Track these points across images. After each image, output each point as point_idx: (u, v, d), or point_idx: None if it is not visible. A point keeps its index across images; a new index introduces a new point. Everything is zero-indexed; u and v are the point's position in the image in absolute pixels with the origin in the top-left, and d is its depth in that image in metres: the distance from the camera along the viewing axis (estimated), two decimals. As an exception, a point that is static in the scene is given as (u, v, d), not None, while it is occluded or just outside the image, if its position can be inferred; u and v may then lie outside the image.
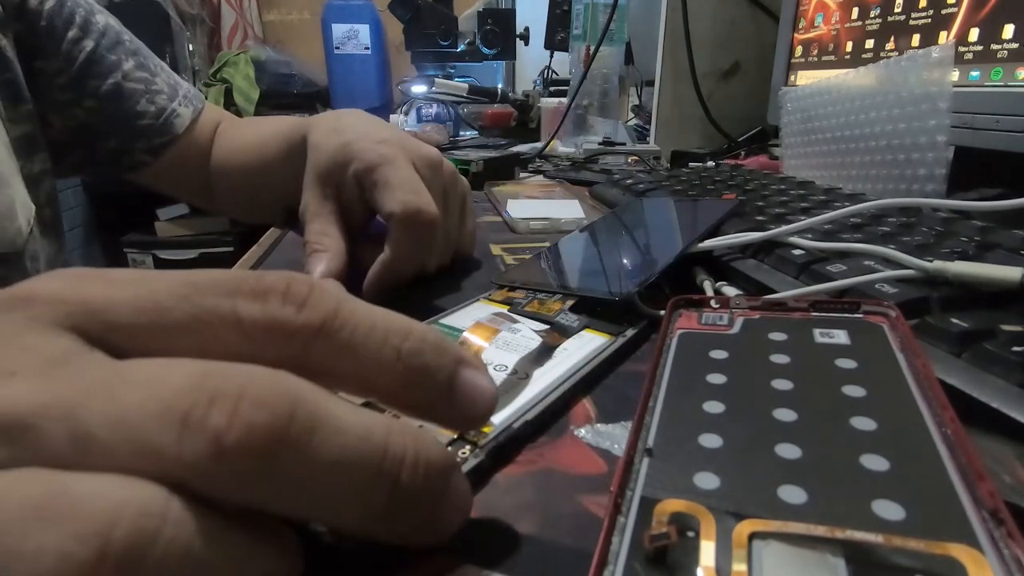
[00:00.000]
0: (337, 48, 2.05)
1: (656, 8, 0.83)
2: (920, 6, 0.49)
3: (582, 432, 0.21)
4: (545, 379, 0.23)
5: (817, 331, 0.20)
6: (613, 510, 0.14)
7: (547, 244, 0.43)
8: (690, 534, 0.13)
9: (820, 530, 0.12)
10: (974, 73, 0.45)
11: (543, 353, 0.24)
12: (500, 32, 1.27)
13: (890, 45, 0.52)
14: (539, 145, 0.90)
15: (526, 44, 1.37)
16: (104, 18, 0.50)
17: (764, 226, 0.35)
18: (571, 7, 0.99)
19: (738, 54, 0.83)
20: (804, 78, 0.64)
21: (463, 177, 0.39)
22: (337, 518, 0.13)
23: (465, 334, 0.22)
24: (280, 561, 0.13)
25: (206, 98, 0.58)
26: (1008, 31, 0.42)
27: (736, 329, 0.22)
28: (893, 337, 0.19)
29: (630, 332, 0.27)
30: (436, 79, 1.13)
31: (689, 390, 0.18)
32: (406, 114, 1.16)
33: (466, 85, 1.10)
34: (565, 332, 0.26)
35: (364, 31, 2.04)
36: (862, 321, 0.21)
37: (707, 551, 0.12)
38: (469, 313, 0.29)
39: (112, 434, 0.11)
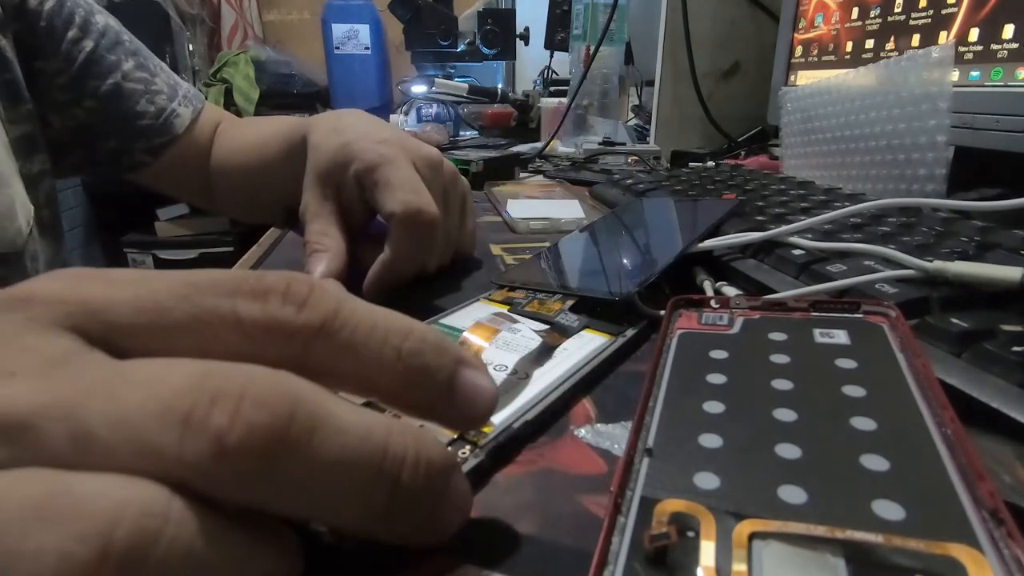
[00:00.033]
0: (337, 48, 2.05)
1: (656, 8, 0.83)
2: (920, 6, 0.49)
3: (582, 432, 0.21)
4: (545, 379, 0.23)
5: (817, 331, 0.20)
6: (613, 510, 0.14)
7: (547, 244, 0.43)
8: (690, 534, 0.13)
9: (820, 530, 0.12)
10: (974, 73, 0.45)
11: (543, 353, 0.24)
12: (500, 32, 1.27)
13: (890, 45, 0.52)
14: (539, 145, 0.90)
15: (526, 44, 1.37)
16: (104, 18, 0.50)
17: (764, 226, 0.35)
18: (571, 7, 0.99)
19: (738, 54, 0.83)
20: (804, 78, 0.64)
21: (463, 177, 0.39)
22: (337, 518, 0.13)
23: (465, 334, 0.22)
24: (280, 561, 0.13)
25: (206, 98, 0.58)
26: (1008, 31, 0.42)
27: (736, 329, 0.22)
28: (893, 337, 0.19)
29: (630, 332, 0.27)
30: (436, 79, 1.13)
31: (689, 390, 0.18)
32: (406, 114, 1.16)
33: (466, 85, 1.10)
34: (565, 332, 0.26)
35: (364, 31, 2.04)
36: (862, 321, 0.21)
37: (707, 551, 0.12)
38: (469, 313, 0.29)
39: (113, 434, 0.11)
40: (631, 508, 0.14)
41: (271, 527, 0.13)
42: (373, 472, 0.13)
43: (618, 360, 0.26)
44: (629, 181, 0.57)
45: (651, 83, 0.88)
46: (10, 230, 0.41)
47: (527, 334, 0.26)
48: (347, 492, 0.13)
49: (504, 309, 0.28)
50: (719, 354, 0.20)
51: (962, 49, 0.45)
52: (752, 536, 0.12)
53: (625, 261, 0.34)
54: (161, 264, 1.99)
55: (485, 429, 0.19)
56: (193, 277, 0.14)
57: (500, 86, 1.21)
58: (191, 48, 2.11)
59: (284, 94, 2.10)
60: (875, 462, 0.14)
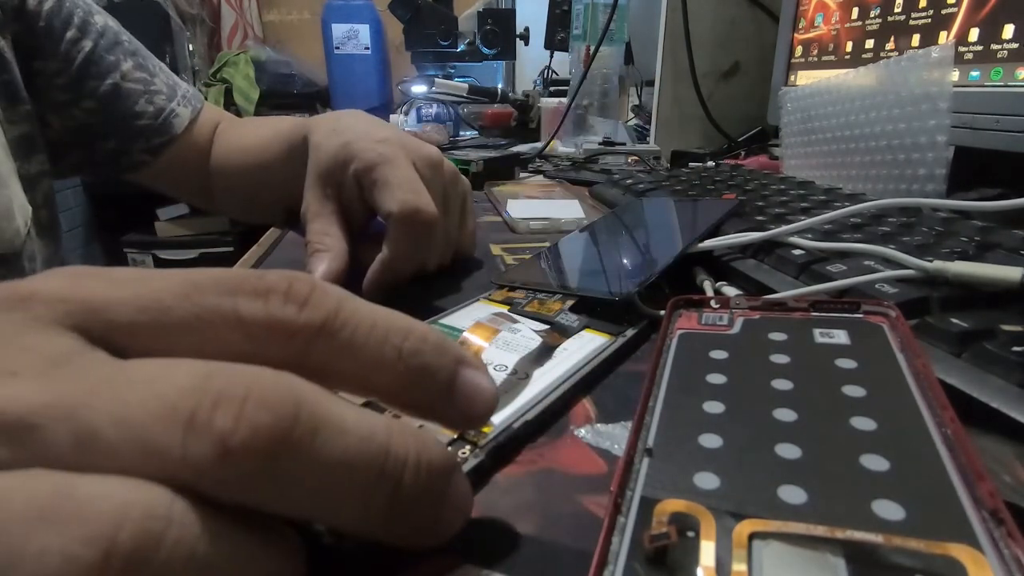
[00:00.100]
0: (337, 48, 2.05)
1: (656, 8, 0.83)
2: (920, 6, 0.49)
3: (582, 432, 0.21)
4: (545, 379, 0.23)
5: (817, 331, 0.20)
6: (613, 510, 0.14)
7: (547, 244, 0.43)
8: (690, 534, 0.13)
9: (820, 530, 0.12)
10: (974, 73, 0.45)
11: (543, 353, 0.24)
12: (500, 32, 1.27)
13: (890, 45, 0.52)
14: (539, 145, 0.90)
15: (526, 44, 1.37)
16: (103, 19, 0.50)
17: (764, 226, 0.35)
18: (571, 7, 0.99)
19: (738, 54, 0.83)
20: (804, 78, 0.64)
21: (464, 177, 0.39)
22: (338, 519, 0.13)
23: (465, 334, 0.22)
24: (283, 562, 0.13)
25: (206, 98, 0.58)
26: (1008, 31, 0.42)
27: (736, 329, 0.21)
28: (893, 337, 0.19)
29: (630, 332, 0.27)
30: (436, 79, 1.13)
31: (689, 390, 0.18)
32: (406, 114, 1.16)
33: (466, 85, 1.10)
34: (565, 332, 0.26)
35: (364, 31, 2.04)
36: (862, 321, 0.21)
37: (707, 551, 0.12)
38: (469, 313, 0.29)
39: (116, 435, 0.11)
40: (631, 508, 0.14)
41: (274, 528, 0.13)
42: (375, 473, 0.13)
43: (618, 360, 0.26)
44: (629, 181, 0.57)
45: (651, 83, 0.88)
46: (8, 231, 0.41)
47: (527, 334, 0.26)
48: (348, 493, 0.13)
49: (504, 309, 0.28)
50: (719, 354, 0.20)
51: (962, 49, 0.45)
52: (752, 536, 0.12)
53: (625, 261, 0.34)
54: (161, 264, 1.99)
55: (485, 429, 0.19)
56: (194, 276, 0.14)
57: (500, 86, 1.21)
58: (191, 48, 2.11)
59: (284, 94, 2.10)
60: (875, 462, 0.14)
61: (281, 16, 2.37)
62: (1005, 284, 0.23)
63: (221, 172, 0.53)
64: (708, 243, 0.34)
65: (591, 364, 0.24)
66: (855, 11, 0.56)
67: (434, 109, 1.15)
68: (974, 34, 0.44)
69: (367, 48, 2.06)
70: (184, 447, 0.11)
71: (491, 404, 0.15)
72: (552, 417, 0.22)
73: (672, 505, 0.13)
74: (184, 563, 0.11)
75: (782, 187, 0.48)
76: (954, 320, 0.22)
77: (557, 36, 1.22)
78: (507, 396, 0.21)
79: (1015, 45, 0.42)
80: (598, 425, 0.22)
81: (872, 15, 0.54)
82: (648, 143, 0.88)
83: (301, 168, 0.37)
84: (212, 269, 0.14)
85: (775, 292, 0.29)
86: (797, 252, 0.31)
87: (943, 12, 0.47)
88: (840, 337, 0.20)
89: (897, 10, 0.51)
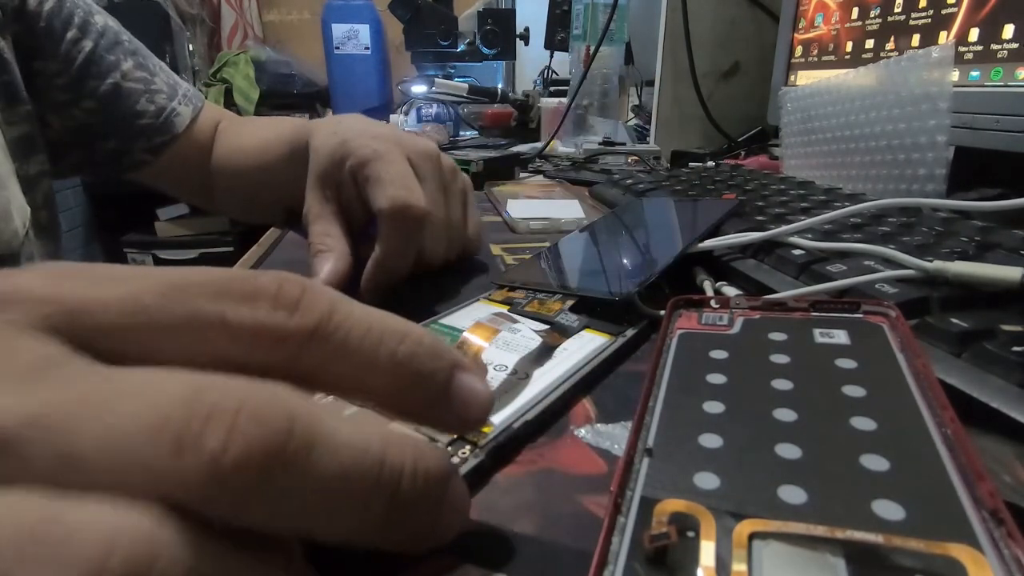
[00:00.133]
0: (337, 48, 2.05)
1: (656, 8, 0.83)
2: (920, 6, 0.49)
3: (582, 432, 0.21)
4: (545, 379, 0.23)
5: (817, 331, 0.20)
6: (613, 510, 0.14)
7: (547, 244, 0.43)
8: (690, 534, 0.13)
9: (820, 530, 0.12)
10: (974, 73, 0.45)
11: (543, 353, 0.24)
12: (500, 32, 1.27)
13: (890, 45, 0.52)
14: (539, 145, 0.90)
15: (526, 44, 1.37)
16: (103, 18, 0.50)
17: (764, 226, 0.35)
18: (571, 7, 0.99)
19: (738, 54, 0.83)
20: (804, 78, 0.64)
21: (464, 173, 0.39)
22: (334, 532, 0.13)
23: (465, 334, 0.22)
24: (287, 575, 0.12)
25: (206, 98, 0.58)
26: (1008, 31, 0.42)
27: (736, 329, 0.21)
28: (893, 337, 0.19)
29: (630, 332, 0.27)
30: (436, 79, 1.13)
31: (689, 390, 0.18)
32: (406, 114, 1.16)
33: (466, 85, 1.10)
34: (565, 332, 0.26)
35: (364, 31, 2.04)
36: (862, 321, 0.21)
37: (707, 551, 0.12)
38: (469, 313, 0.29)
39: (102, 452, 0.11)
40: (631, 508, 0.14)
41: (275, 542, 0.12)
42: (371, 484, 0.13)
43: (618, 360, 0.26)
44: (629, 181, 0.57)
45: (651, 83, 0.88)
46: (6, 232, 0.41)
47: (527, 334, 0.26)
48: (345, 507, 0.12)
49: (504, 309, 0.28)
50: (719, 354, 0.20)
51: (962, 49, 0.45)
52: (752, 536, 0.12)
53: (625, 261, 0.34)
54: (161, 264, 1.99)
55: (485, 429, 0.19)
56: (179, 277, 0.13)
57: (500, 86, 1.21)
58: (191, 48, 2.11)
59: (284, 94, 2.10)
60: (875, 462, 0.14)
61: (281, 16, 2.38)
62: (1005, 284, 0.23)
63: (222, 173, 0.54)
64: (708, 243, 0.34)
65: (591, 364, 0.24)
66: (855, 11, 0.56)
67: (434, 109, 1.15)
68: (974, 34, 0.44)
69: (367, 48, 2.06)
70: (174, 465, 0.11)
71: (486, 408, 0.15)
72: (552, 417, 0.22)
73: (672, 505, 0.13)
74: None
75: (782, 187, 0.48)
76: (954, 320, 0.22)
77: (557, 36, 1.22)
78: (507, 396, 0.21)
79: (1015, 45, 0.42)
80: (598, 425, 0.22)
81: (872, 15, 0.54)
82: (648, 143, 0.88)
83: (301, 170, 0.37)
84: (199, 269, 0.14)
85: (775, 292, 0.29)
86: (797, 252, 0.31)
87: (943, 12, 0.47)
88: (840, 337, 0.20)
89: (897, 10, 0.51)
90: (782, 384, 0.18)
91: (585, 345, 0.25)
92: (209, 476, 0.11)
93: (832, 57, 0.60)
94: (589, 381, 0.24)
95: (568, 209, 0.54)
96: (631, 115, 1.12)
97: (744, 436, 0.16)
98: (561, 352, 0.25)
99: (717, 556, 0.12)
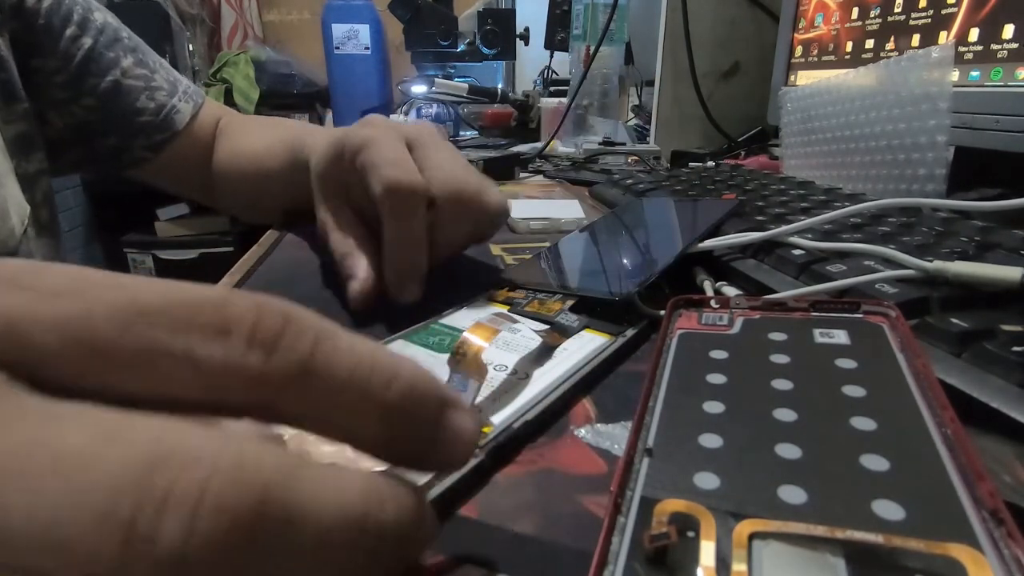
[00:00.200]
0: (337, 48, 2.05)
1: (656, 8, 0.83)
2: (920, 6, 0.49)
3: (582, 432, 0.21)
4: (545, 379, 0.23)
5: (817, 331, 0.20)
6: (613, 510, 0.14)
7: (547, 244, 0.43)
8: (690, 534, 0.13)
9: (820, 530, 0.12)
10: (974, 73, 0.45)
11: (543, 353, 0.24)
12: (500, 32, 1.27)
13: (890, 45, 0.52)
14: (539, 145, 0.90)
15: (526, 44, 1.37)
16: (102, 15, 0.50)
17: (764, 226, 0.35)
18: (571, 7, 0.99)
19: (738, 54, 0.83)
20: (804, 78, 0.64)
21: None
22: None
23: (465, 334, 0.22)
24: None
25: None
26: (1008, 31, 0.42)
27: (736, 329, 0.21)
28: (893, 337, 0.19)
29: (630, 332, 0.27)
30: (436, 79, 1.13)
31: (689, 390, 0.18)
32: (406, 114, 1.16)
33: (466, 85, 1.10)
34: (565, 332, 0.26)
35: (364, 31, 2.04)
36: (862, 321, 0.21)
37: (707, 551, 0.12)
38: (469, 313, 0.29)
39: (33, 534, 0.09)
40: (631, 508, 0.14)
41: None
42: (351, 548, 0.11)
43: (618, 360, 0.26)
44: (629, 181, 0.57)
45: (651, 83, 0.88)
46: (3, 230, 0.41)
47: (527, 334, 0.26)
48: (321, 570, 0.11)
49: (504, 309, 0.28)
50: (719, 354, 0.20)
51: (962, 49, 0.45)
52: (752, 536, 0.12)
53: (625, 261, 0.34)
54: (161, 264, 1.99)
55: (485, 429, 0.19)
56: (141, 299, 0.11)
57: (500, 86, 1.22)
58: (191, 48, 2.11)
59: (284, 94, 2.10)
60: (875, 462, 0.14)
61: (281, 16, 2.37)
62: (1005, 284, 0.23)
63: (223, 176, 0.54)
64: (708, 243, 0.34)
65: (591, 364, 0.24)
66: (855, 11, 0.56)
67: (434, 109, 1.16)
68: (974, 34, 0.44)
69: (367, 48, 2.06)
70: (123, 557, 0.09)
71: (471, 448, 0.14)
72: (552, 417, 0.22)
73: (672, 505, 0.13)
74: None
75: (782, 187, 0.48)
76: (954, 320, 0.22)
77: (557, 36, 1.22)
78: (507, 396, 0.21)
79: (1015, 45, 0.42)
80: (598, 425, 0.22)
81: (872, 15, 0.54)
82: (648, 143, 0.88)
83: (302, 177, 0.36)
84: (166, 288, 0.12)
85: (775, 292, 0.29)
86: (797, 252, 0.31)
87: (943, 12, 0.47)
88: (840, 337, 0.20)
89: (897, 10, 0.51)
90: (782, 384, 0.18)
91: (585, 345, 0.25)
92: (168, 571, 0.09)
93: (832, 57, 0.60)
94: (589, 381, 0.24)
95: (568, 209, 0.54)
96: (631, 115, 1.12)
97: (744, 436, 0.16)
98: (561, 352, 0.25)
99: (717, 556, 0.12)
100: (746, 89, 0.83)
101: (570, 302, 0.28)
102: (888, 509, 0.13)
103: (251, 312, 0.12)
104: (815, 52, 0.63)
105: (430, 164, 0.30)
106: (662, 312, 0.23)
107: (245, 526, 0.10)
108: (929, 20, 0.48)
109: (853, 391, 0.17)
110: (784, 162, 0.60)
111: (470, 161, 0.69)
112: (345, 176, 0.32)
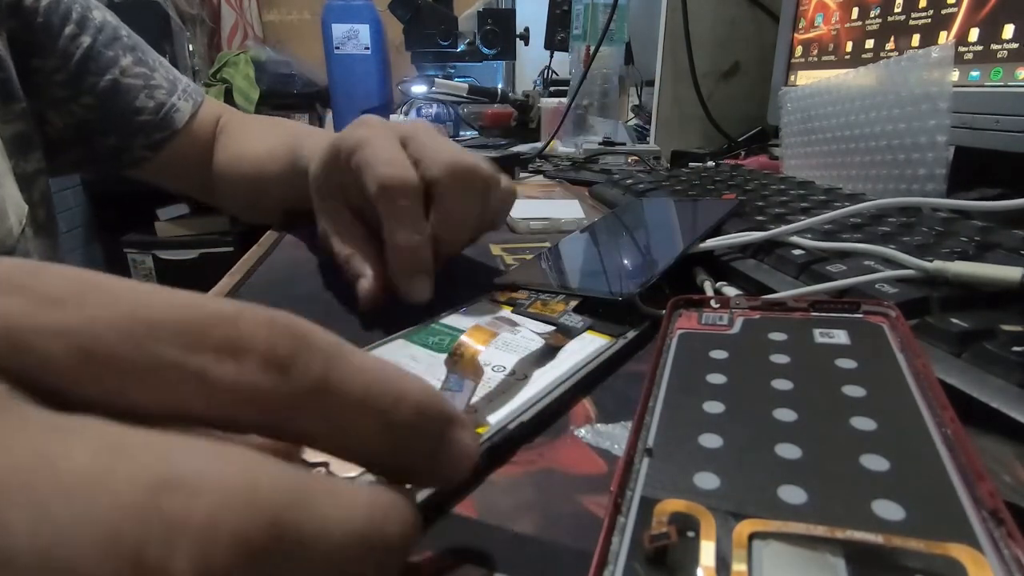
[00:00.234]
0: (337, 48, 2.05)
1: (656, 8, 0.83)
2: (920, 6, 0.49)
3: (582, 432, 0.21)
4: (543, 380, 0.23)
5: (817, 331, 0.20)
6: (613, 510, 0.14)
7: (547, 244, 0.43)
8: (690, 534, 0.13)
9: (820, 530, 0.12)
10: (974, 73, 0.45)
11: (545, 354, 0.24)
12: (500, 32, 1.27)
13: (890, 45, 0.52)
14: (539, 145, 0.90)
15: (526, 44, 1.37)
16: (101, 14, 0.50)
17: (764, 226, 0.35)
18: (571, 7, 0.99)
19: (738, 54, 0.83)
20: (804, 78, 0.64)
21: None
22: None
23: (462, 338, 0.22)
24: None
25: (206, 97, 0.58)
26: (1008, 31, 0.42)
27: (736, 329, 0.21)
28: (893, 337, 0.19)
29: (631, 334, 0.27)
30: (436, 79, 1.13)
31: (689, 390, 0.18)
32: (406, 114, 1.16)
33: (466, 85, 1.10)
34: (569, 333, 0.26)
35: (364, 31, 2.04)
36: (862, 321, 0.21)
37: (707, 551, 0.12)
38: (471, 313, 0.29)
39: (32, 555, 0.09)
40: (631, 508, 0.14)
41: None
42: (359, 562, 0.11)
43: (618, 362, 0.26)
44: (629, 181, 0.57)
45: (651, 83, 0.88)
46: (0, 229, 0.41)
47: (527, 335, 0.26)
48: None
49: (507, 310, 0.28)
50: (719, 354, 0.20)
51: (962, 49, 0.45)
52: (752, 536, 0.12)
53: (626, 261, 0.34)
54: (161, 264, 1.99)
55: (480, 430, 0.19)
56: (150, 314, 0.11)
57: (500, 86, 1.22)
58: (191, 48, 2.11)
59: (284, 94, 2.10)
60: (875, 462, 0.14)
61: (281, 16, 2.37)
62: (1005, 284, 0.23)
63: (223, 176, 0.54)
64: (708, 243, 0.34)
65: (590, 366, 0.24)
66: (855, 11, 0.56)
67: (434, 109, 1.16)
68: (974, 34, 0.44)
69: (367, 48, 2.06)
70: None
71: (471, 465, 0.14)
72: (550, 418, 0.22)
73: (672, 505, 0.13)
74: None
75: (782, 187, 0.48)
76: (954, 320, 0.22)
77: (557, 36, 1.22)
78: (504, 397, 0.21)
79: (1015, 45, 0.41)
80: (598, 425, 0.22)
81: (872, 15, 0.54)
82: (648, 143, 0.88)
83: (301, 180, 0.36)
84: (173, 300, 0.12)
85: (775, 292, 0.29)
86: (797, 252, 0.31)
87: (943, 12, 0.47)
88: (840, 337, 0.20)
89: (897, 10, 0.51)
90: (782, 384, 0.18)
91: (585, 347, 0.25)
92: None
93: (832, 57, 0.60)
94: (588, 382, 0.24)
95: (568, 209, 0.54)
96: (631, 115, 1.12)
97: (744, 436, 0.16)
98: (562, 353, 0.25)
99: (717, 556, 0.12)
100: (746, 89, 0.83)
101: (573, 303, 0.28)
102: (888, 509, 0.13)
103: (264, 329, 0.12)
104: (815, 52, 0.63)
105: (425, 152, 0.30)
106: (663, 312, 0.23)
107: (258, 552, 0.09)
108: (929, 20, 0.48)
109: (853, 391, 0.17)
110: (784, 162, 0.60)
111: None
112: (342, 178, 0.32)
